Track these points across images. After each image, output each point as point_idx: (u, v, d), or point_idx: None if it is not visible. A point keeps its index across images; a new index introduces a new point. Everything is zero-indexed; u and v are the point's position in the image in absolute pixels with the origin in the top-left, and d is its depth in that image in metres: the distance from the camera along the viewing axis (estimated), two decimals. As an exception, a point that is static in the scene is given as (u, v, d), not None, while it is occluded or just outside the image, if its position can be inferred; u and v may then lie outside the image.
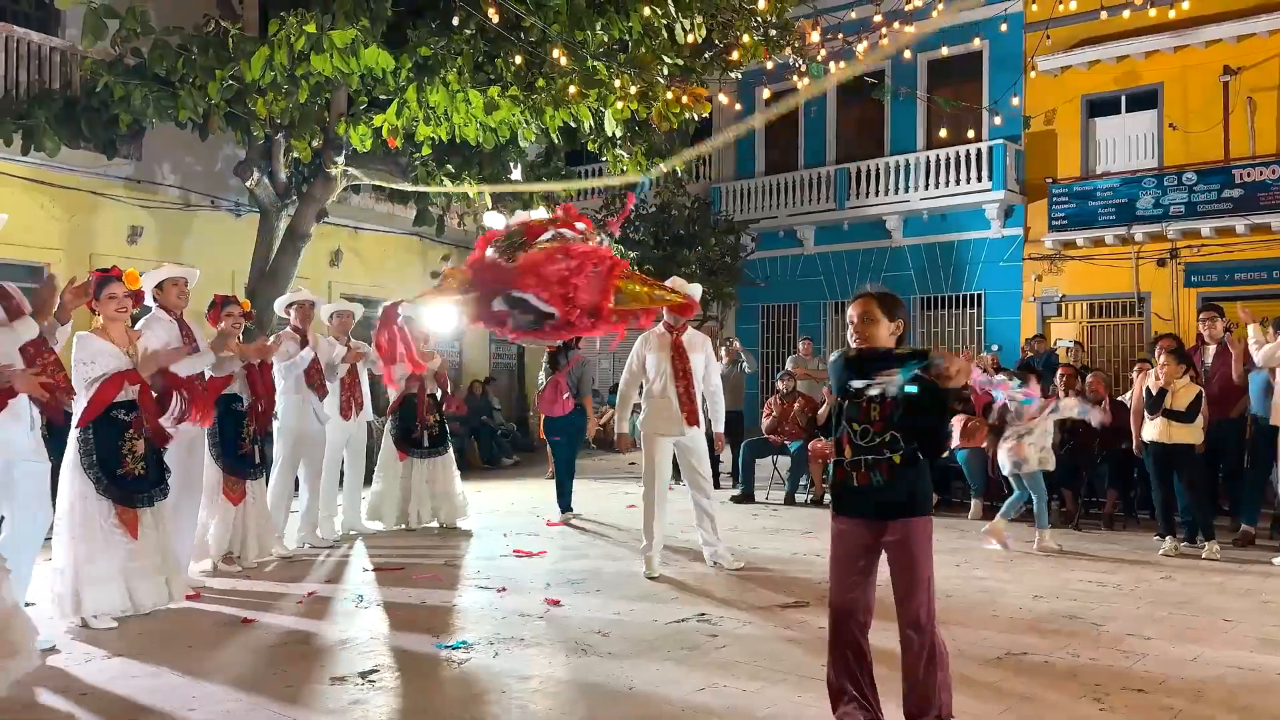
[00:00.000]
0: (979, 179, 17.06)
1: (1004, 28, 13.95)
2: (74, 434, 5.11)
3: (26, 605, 4.79)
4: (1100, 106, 16.78)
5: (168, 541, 5.46)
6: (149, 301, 6.06)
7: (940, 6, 11.34)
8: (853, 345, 3.55)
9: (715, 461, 12.03)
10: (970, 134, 17.14)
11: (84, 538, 5.01)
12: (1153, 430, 7.09)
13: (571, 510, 8.98)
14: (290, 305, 7.42)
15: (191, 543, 6.21)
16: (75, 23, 9.43)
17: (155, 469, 5.32)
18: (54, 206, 11.33)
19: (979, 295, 17.81)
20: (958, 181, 17.29)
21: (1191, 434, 7.01)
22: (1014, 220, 17.38)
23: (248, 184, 11.01)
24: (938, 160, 17.46)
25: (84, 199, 11.60)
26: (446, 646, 4.72)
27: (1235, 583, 6.20)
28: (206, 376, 6.28)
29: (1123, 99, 16.52)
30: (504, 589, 5.99)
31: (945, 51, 14.65)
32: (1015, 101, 13.77)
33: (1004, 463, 7.48)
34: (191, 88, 9.27)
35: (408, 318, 8.48)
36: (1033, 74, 15.86)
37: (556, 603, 5.62)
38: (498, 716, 3.79)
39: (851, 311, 3.55)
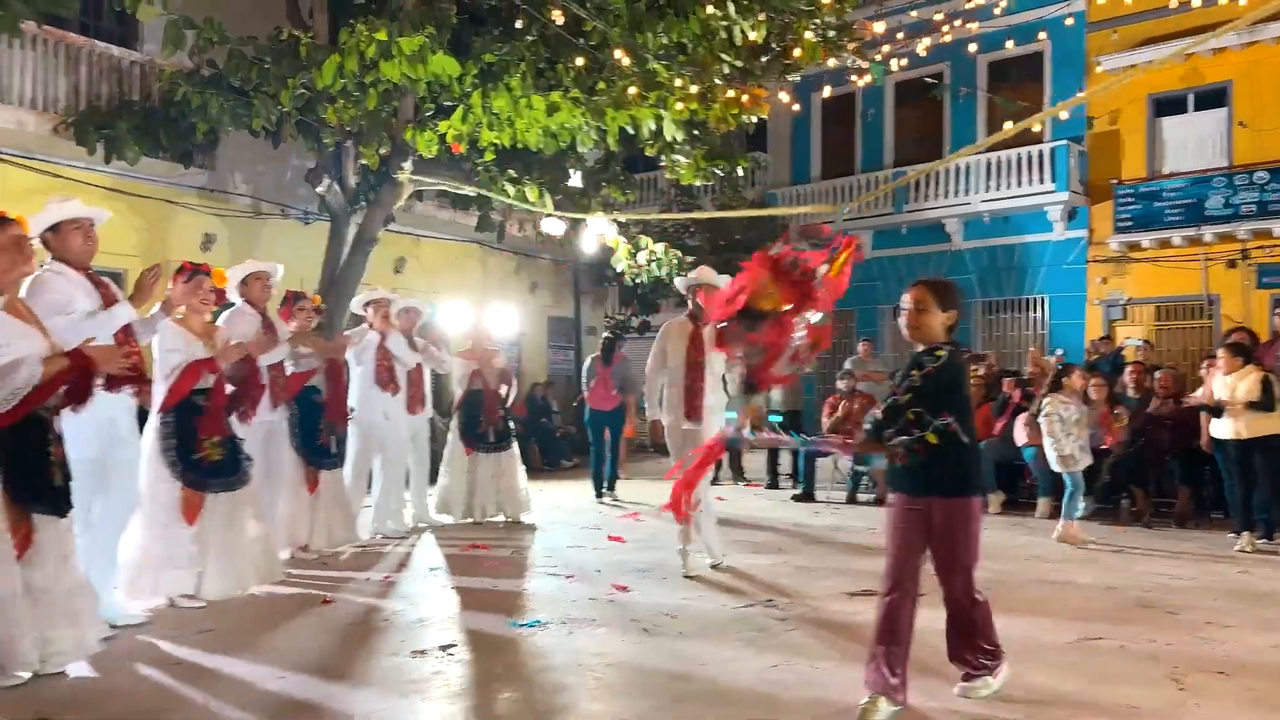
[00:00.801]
0: (1041, 180, 16.84)
1: (1069, 21, 13.77)
2: (153, 419, 5.26)
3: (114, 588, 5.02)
4: (1167, 105, 16.49)
5: (255, 528, 5.60)
6: (234, 296, 6.31)
7: (1002, 4, 11.22)
8: (905, 335, 3.66)
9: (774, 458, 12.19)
10: (1037, 127, 16.76)
11: (159, 521, 5.16)
12: (1225, 427, 6.95)
13: (611, 492, 9.92)
14: (368, 304, 7.62)
15: (275, 528, 6.39)
16: (154, 37, 9.80)
17: (233, 457, 5.45)
18: (131, 214, 11.73)
19: (1042, 299, 17.56)
20: (1019, 183, 17.08)
21: (1272, 423, 6.85)
22: (1077, 222, 17.13)
23: (318, 190, 11.30)
24: (999, 162, 17.28)
25: (160, 207, 12.01)
26: (520, 625, 4.82)
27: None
28: (288, 371, 6.50)
29: (1190, 97, 16.23)
30: (572, 575, 6.09)
31: (1010, 45, 14.45)
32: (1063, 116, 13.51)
33: (1053, 460, 7.47)
34: (265, 96, 9.57)
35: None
36: (1098, 68, 15.62)
37: (624, 588, 5.70)
38: (573, 685, 3.87)
39: (904, 299, 3.63)
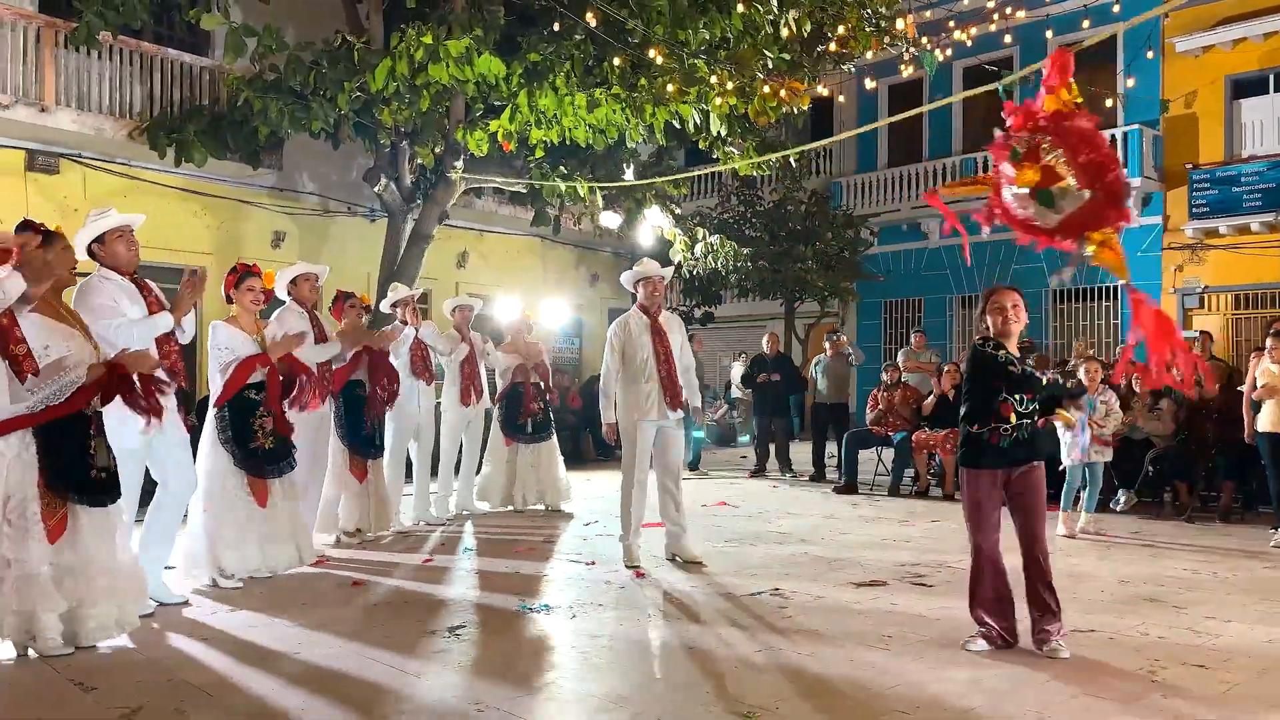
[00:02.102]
0: (1113, 166, 16.42)
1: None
2: (211, 412, 5.68)
3: (168, 568, 5.41)
4: (1245, 87, 15.92)
5: (297, 510, 5.99)
6: (283, 295, 6.69)
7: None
8: (1007, 330, 4.32)
9: (790, 431, 12.39)
10: (1109, 103, 16.21)
11: (222, 506, 5.55)
12: (1267, 419, 6.81)
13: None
14: (394, 305, 7.90)
15: (316, 514, 6.77)
16: (223, 43, 10.28)
17: (282, 444, 5.84)
18: (205, 214, 12.35)
19: (1114, 288, 17.13)
20: (1091, 169, 16.67)
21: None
22: (1152, 209, 16.67)
23: (376, 189, 11.73)
24: (1069, 148, 16.87)
25: (232, 207, 12.60)
26: (529, 608, 5.06)
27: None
28: (334, 366, 6.86)
29: (1271, 78, 15.64)
30: (593, 562, 6.30)
31: (1085, 25, 14.06)
32: (1130, 83, 13.09)
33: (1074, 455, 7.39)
34: (322, 99, 10.00)
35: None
36: (1176, 49, 15.13)
37: (641, 575, 5.90)
38: (561, 665, 4.09)
39: (1004, 300, 4.32)
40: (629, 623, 4.78)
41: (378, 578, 5.90)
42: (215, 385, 5.74)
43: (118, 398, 4.30)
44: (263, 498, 5.70)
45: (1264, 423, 6.90)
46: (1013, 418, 4.22)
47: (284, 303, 6.68)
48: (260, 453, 5.70)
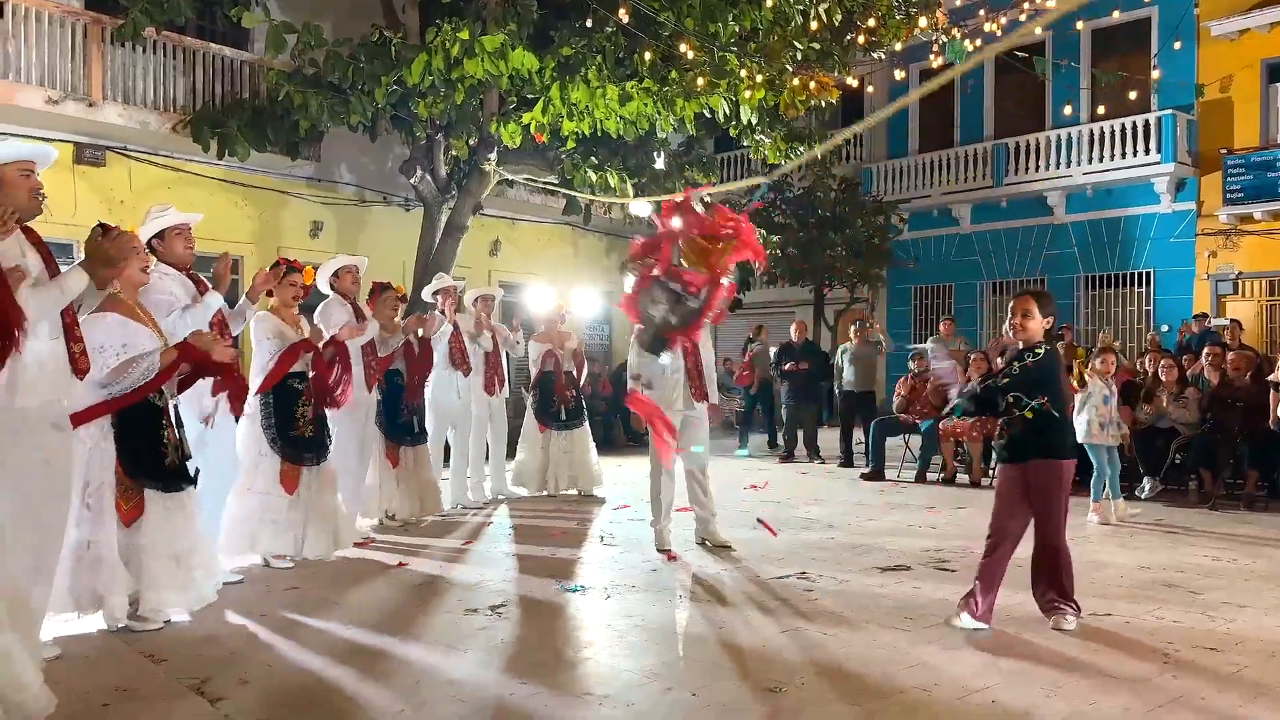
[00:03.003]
0: (1147, 151, 16.39)
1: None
2: (254, 399, 5.88)
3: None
4: (1282, 71, 15.79)
5: (333, 498, 6.19)
6: (325, 289, 6.93)
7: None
8: (1014, 337, 4.62)
9: (818, 419, 13.09)
10: (1135, 90, 16.09)
11: (260, 489, 5.80)
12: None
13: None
14: (436, 292, 8.17)
15: (361, 498, 7.04)
16: (264, 37, 10.54)
17: (320, 434, 6.08)
18: (246, 204, 12.67)
19: (1148, 274, 17.11)
20: (1124, 155, 16.66)
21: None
22: (1186, 194, 16.60)
23: (412, 181, 11.97)
24: (1102, 133, 16.84)
25: (272, 197, 12.90)
26: (566, 589, 5.29)
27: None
28: (379, 354, 7.10)
29: (1308, 62, 15.50)
30: (624, 547, 6.52)
31: (1116, 16, 13.98)
32: (1155, 74, 13.05)
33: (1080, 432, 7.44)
34: (360, 93, 10.24)
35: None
36: (1211, 34, 14.97)
37: (673, 558, 6.11)
38: (597, 643, 4.31)
39: (1013, 307, 4.59)
40: (661, 604, 5.00)
41: (420, 559, 6.15)
42: (256, 374, 5.94)
43: (198, 382, 4.56)
44: (291, 485, 5.87)
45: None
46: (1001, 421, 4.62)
47: (325, 296, 6.92)
48: (301, 440, 5.93)
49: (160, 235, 5.21)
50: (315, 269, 6.79)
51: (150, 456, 4.48)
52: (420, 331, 7.44)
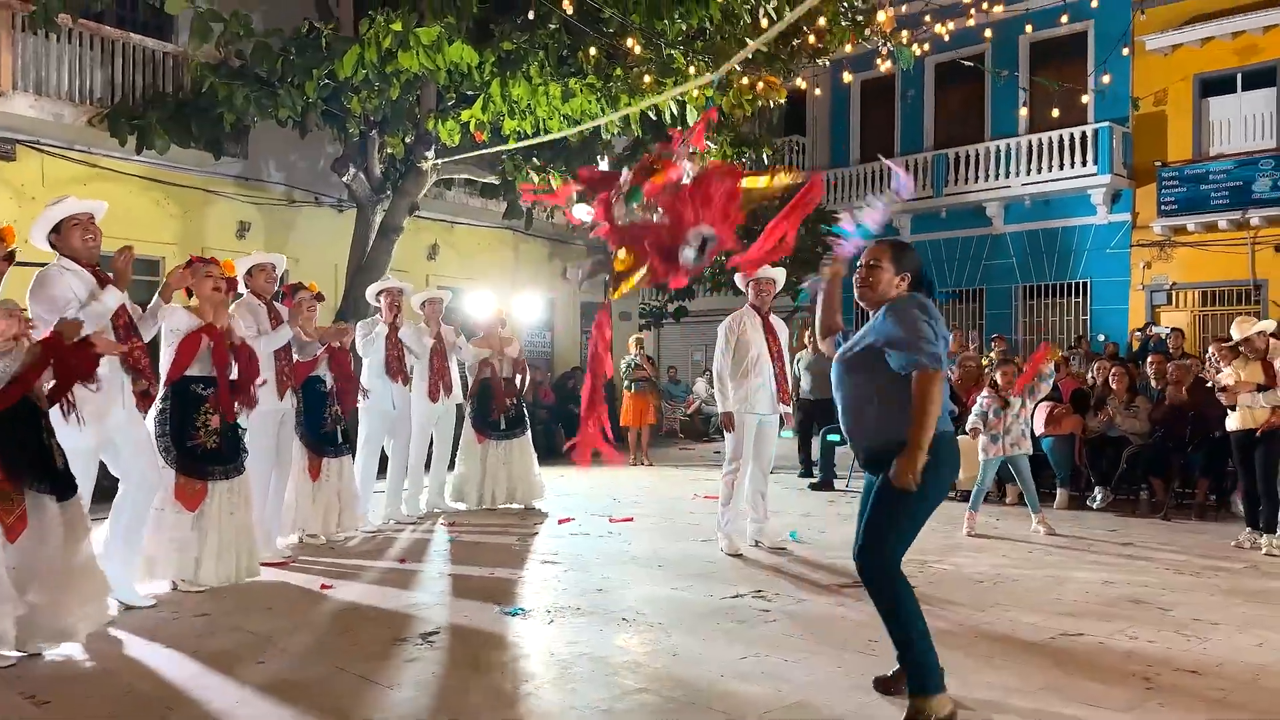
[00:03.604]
0: (1084, 163, 16.53)
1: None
2: (155, 406, 5.32)
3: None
4: (1214, 85, 16.05)
5: (245, 518, 5.63)
6: (241, 288, 6.44)
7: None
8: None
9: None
10: (1084, 96, 16.18)
11: (157, 506, 5.20)
12: (1234, 419, 6.78)
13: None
14: (380, 292, 7.75)
15: (280, 515, 6.56)
16: (189, 28, 9.98)
17: (231, 446, 5.50)
18: (169, 203, 12.04)
19: (1084, 284, 17.27)
20: (1061, 166, 16.78)
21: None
22: (1121, 205, 16.79)
23: (344, 179, 11.48)
24: (1040, 144, 16.97)
25: (196, 196, 12.29)
26: (506, 613, 4.91)
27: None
28: (294, 359, 6.61)
29: (1239, 77, 15.77)
30: (567, 565, 6.16)
31: (1063, 20, 13.88)
32: (1106, 80, 13.20)
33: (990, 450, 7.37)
34: (290, 87, 9.74)
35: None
36: (1146, 47, 15.17)
37: (616, 578, 5.76)
38: (539, 675, 3.94)
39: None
40: (609, 629, 4.64)
41: (346, 581, 5.71)
42: (164, 367, 5.40)
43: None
44: (191, 501, 5.31)
45: (1231, 422, 6.87)
46: None
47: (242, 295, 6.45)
48: (201, 453, 5.35)
49: (57, 229, 4.73)
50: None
51: (38, 458, 4.03)
52: (339, 343, 6.96)
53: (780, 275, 6.91)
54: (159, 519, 5.23)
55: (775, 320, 6.91)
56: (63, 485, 4.15)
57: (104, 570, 4.53)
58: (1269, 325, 6.89)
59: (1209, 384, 7.18)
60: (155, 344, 5.40)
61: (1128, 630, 4.56)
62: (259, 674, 3.95)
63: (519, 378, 8.66)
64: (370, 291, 7.95)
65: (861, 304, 3.64)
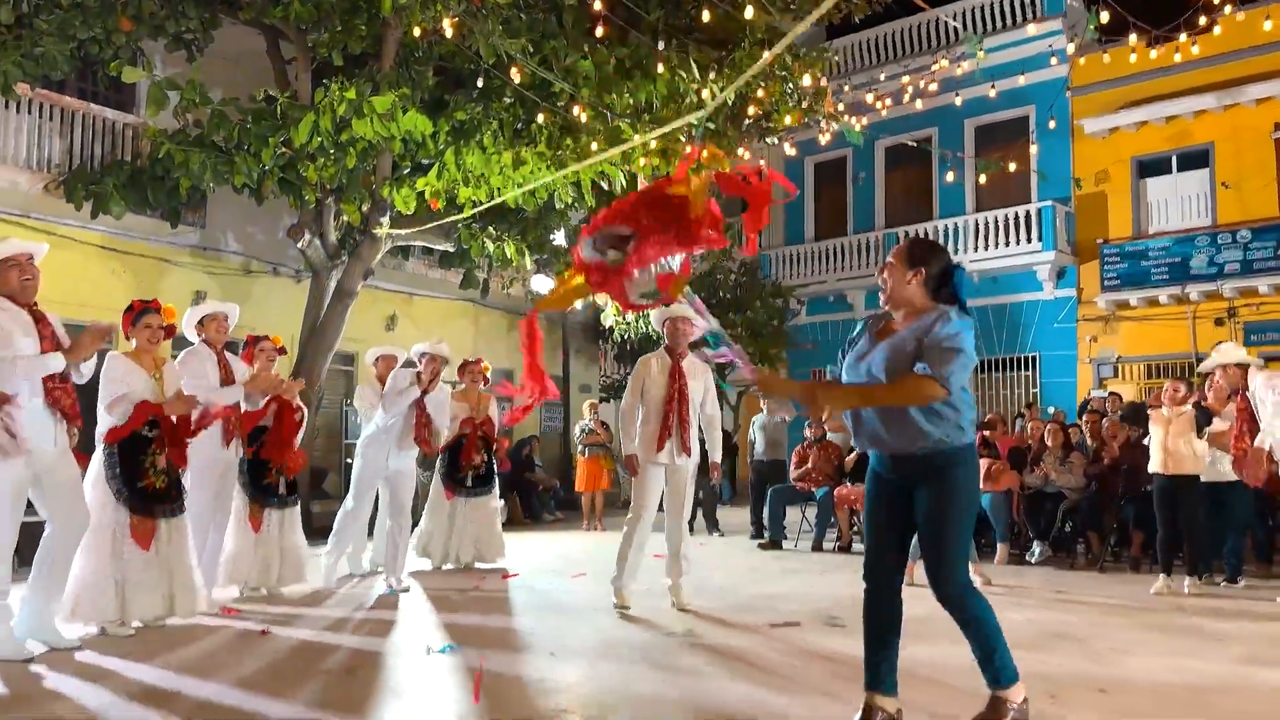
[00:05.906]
0: (1029, 240, 17.06)
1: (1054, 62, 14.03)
2: (99, 450, 5.44)
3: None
4: (1150, 167, 16.74)
5: (181, 558, 5.63)
6: (192, 336, 6.49)
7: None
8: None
9: (717, 493, 12.17)
10: (1017, 168, 16.98)
11: (93, 547, 5.23)
12: (1155, 461, 6.99)
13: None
14: (423, 354, 7.65)
15: (219, 562, 6.50)
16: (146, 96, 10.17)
17: (174, 486, 5.59)
18: (124, 271, 12.09)
19: (1034, 357, 17.66)
20: (1008, 243, 17.30)
21: (1194, 464, 6.87)
22: (1066, 281, 17.30)
23: (299, 245, 11.61)
24: (987, 223, 17.53)
25: (152, 265, 12.36)
26: (433, 651, 4.91)
27: (1251, 612, 6.04)
28: (242, 409, 6.64)
29: (1173, 159, 16.47)
30: (506, 611, 6.16)
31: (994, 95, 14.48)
32: (1032, 148, 13.73)
33: None
34: (246, 154, 9.94)
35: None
36: (1085, 131, 15.81)
37: (554, 620, 5.77)
38: (458, 701, 3.95)
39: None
40: (535, 664, 4.65)
41: (285, 629, 5.65)
42: (102, 418, 5.47)
43: None
44: (146, 540, 5.38)
45: (1154, 464, 7.07)
46: None
47: (191, 344, 6.50)
48: (149, 493, 5.42)
49: (-7, 270, 4.80)
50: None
51: None
52: (287, 396, 6.97)
53: (689, 313, 6.20)
54: (103, 560, 5.21)
55: (692, 363, 6.37)
56: None
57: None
58: (1241, 356, 6.91)
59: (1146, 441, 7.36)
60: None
61: (1042, 658, 4.64)
62: (185, 702, 3.92)
63: (488, 437, 8.64)
64: (415, 350, 7.83)
65: (886, 307, 3.60)
